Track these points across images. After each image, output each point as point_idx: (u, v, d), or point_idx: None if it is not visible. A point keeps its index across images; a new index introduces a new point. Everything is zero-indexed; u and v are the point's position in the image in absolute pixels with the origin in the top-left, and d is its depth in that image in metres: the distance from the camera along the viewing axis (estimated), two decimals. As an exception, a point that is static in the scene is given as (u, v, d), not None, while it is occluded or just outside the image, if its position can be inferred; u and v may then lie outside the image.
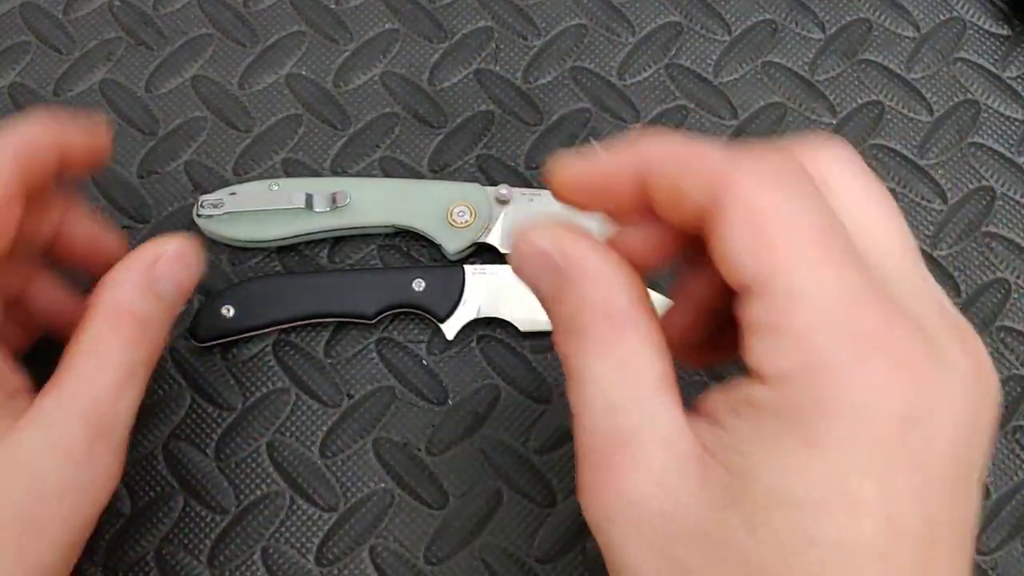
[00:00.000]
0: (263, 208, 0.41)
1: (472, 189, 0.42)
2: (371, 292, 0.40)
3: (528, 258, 0.25)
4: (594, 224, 0.27)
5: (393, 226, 0.42)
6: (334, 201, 0.41)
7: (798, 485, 0.21)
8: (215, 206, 0.41)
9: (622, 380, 0.23)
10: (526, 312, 0.41)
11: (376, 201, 0.42)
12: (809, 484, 0.20)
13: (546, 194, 0.42)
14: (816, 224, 0.22)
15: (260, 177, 0.44)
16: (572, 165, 0.26)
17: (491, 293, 0.41)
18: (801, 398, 0.21)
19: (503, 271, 0.41)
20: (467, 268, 0.41)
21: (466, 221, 0.41)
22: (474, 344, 0.41)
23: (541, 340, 0.41)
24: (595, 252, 0.25)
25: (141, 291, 0.31)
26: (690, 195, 0.23)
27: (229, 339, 0.40)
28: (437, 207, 0.42)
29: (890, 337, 0.21)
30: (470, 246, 0.41)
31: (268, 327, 0.40)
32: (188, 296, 0.33)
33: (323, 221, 0.41)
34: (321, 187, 0.42)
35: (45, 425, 0.29)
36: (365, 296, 0.40)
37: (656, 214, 0.25)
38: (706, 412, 0.24)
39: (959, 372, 0.22)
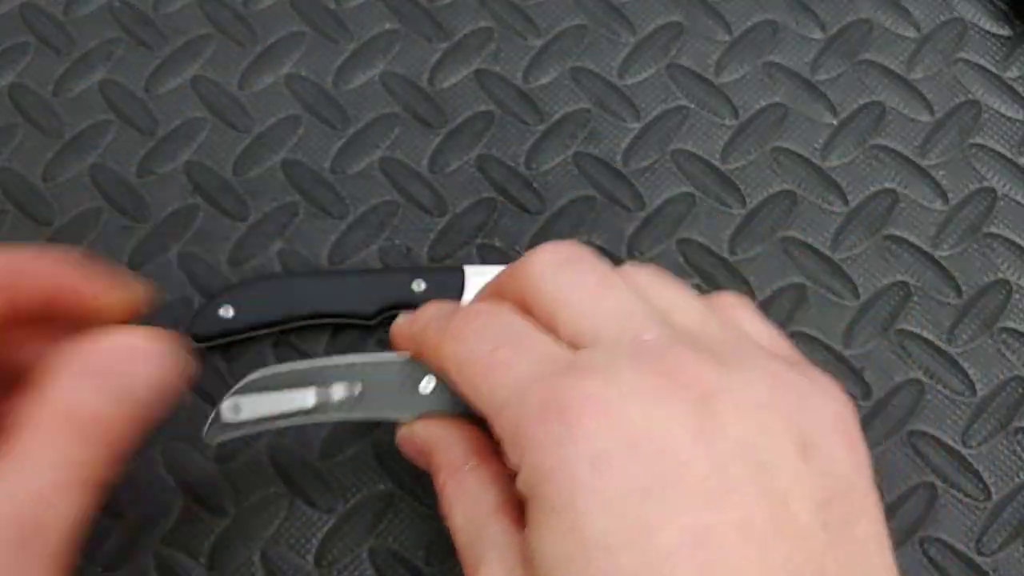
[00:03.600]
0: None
1: None
2: (371, 292, 0.40)
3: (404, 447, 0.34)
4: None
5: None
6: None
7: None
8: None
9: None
10: (526, 313, 0.40)
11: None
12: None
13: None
14: None
15: (260, 176, 0.43)
16: None
17: (491, 294, 0.40)
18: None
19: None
20: (467, 269, 0.41)
21: None
22: (474, 345, 0.41)
23: (541, 341, 0.41)
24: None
25: (96, 388, 0.26)
26: None
27: (229, 339, 0.40)
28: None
29: None
30: None
31: (268, 327, 0.40)
32: (172, 396, 0.28)
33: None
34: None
35: None
36: (365, 296, 0.40)
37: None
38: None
39: None
